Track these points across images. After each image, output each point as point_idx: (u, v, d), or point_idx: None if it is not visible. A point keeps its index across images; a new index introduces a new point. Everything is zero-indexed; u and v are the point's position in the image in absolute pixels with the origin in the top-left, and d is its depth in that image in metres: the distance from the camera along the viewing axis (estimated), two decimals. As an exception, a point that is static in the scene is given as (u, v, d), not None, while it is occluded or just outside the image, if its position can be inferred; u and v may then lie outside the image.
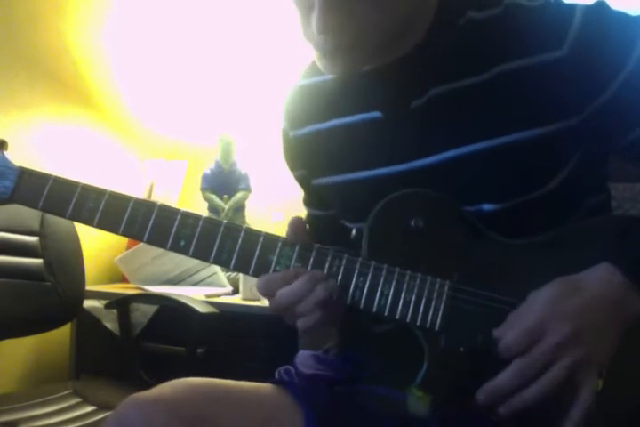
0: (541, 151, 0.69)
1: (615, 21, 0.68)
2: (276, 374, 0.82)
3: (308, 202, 0.94)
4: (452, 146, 0.71)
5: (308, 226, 0.96)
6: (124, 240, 2.11)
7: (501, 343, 0.62)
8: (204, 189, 2.06)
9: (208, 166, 2.08)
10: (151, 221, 0.69)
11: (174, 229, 0.69)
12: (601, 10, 0.69)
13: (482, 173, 0.70)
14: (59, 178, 0.72)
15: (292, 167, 0.90)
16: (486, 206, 0.70)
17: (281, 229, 0.71)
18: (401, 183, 0.72)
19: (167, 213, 0.69)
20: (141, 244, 1.91)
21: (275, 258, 0.68)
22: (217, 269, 1.93)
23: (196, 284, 1.95)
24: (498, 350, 0.62)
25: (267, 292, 0.67)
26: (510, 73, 0.69)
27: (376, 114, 0.76)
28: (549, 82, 0.68)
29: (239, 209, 2.05)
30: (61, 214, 0.71)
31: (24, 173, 0.72)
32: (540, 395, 0.59)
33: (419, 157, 0.73)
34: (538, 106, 0.68)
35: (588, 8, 0.68)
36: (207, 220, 0.69)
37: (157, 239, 0.69)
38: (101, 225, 0.70)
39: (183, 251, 0.69)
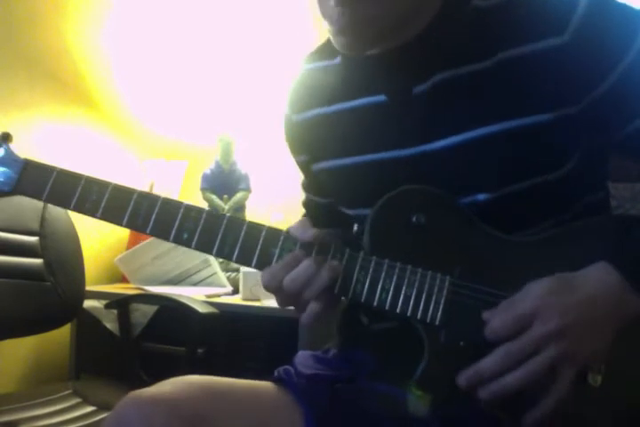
0: (541, 140, 0.69)
1: (618, 13, 0.69)
2: (275, 373, 0.82)
3: (307, 187, 0.94)
4: (455, 131, 0.71)
5: (305, 211, 0.97)
6: (124, 240, 2.11)
7: (488, 326, 0.62)
8: (203, 189, 2.06)
9: (208, 166, 2.08)
10: (154, 214, 0.70)
11: (177, 222, 0.69)
12: (605, 1, 0.69)
13: (483, 158, 0.71)
14: (63, 170, 0.72)
15: (295, 152, 0.90)
16: (481, 196, 0.71)
17: (280, 229, 0.71)
18: (404, 168, 0.73)
19: (170, 205, 0.70)
20: (141, 244, 1.92)
21: (277, 251, 0.68)
22: (217, 269, 1.93)
23: (196, 284, 1.95)
24: (484, 333, 0.62)
25: (272, 283, 0.67)
26: (512, 60, 0.69)
27: (381, 97, 0.76)
28: (549, 69, 0.68)
29: (239, 209, 2.05)
30: (65, 206, 0.72)
31: (28, 165, 0.73)
32: (519, 382, 0.59)
33: (422, 143, 0.73)
34: (537, 93, 0.69)
35: None
36: (210, 213, 0.70)
37: (160, 232, 0.70)
38: (105, 217, 0.71)
39: (186, 243, 0.69)
